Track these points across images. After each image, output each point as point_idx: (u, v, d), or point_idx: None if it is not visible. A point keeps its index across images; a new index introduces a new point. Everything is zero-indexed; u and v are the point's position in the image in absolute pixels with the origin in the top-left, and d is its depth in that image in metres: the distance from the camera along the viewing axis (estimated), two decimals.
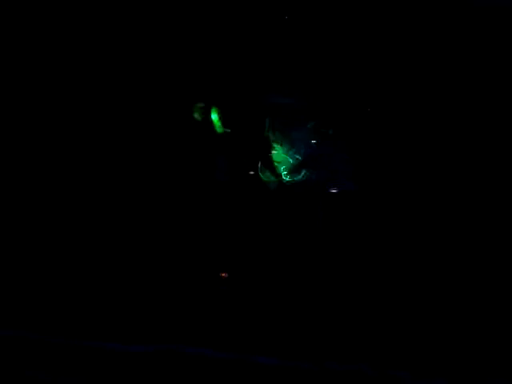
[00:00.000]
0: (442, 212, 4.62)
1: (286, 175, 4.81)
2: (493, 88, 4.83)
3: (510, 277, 4.44)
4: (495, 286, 4.43)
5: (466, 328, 4.32)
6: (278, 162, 4.80)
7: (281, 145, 4.82)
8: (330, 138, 4.83)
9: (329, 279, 4.65)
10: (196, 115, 4.89)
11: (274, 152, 4.86)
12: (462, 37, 4.94)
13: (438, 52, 4.88)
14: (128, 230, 4.98)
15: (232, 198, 4.91)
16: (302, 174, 4.77)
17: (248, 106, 5.00)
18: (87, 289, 4.82)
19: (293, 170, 4.79)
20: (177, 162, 5.06)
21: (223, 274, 4.67)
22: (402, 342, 4.31)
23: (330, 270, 4.66)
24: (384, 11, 5.03)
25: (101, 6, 5.31)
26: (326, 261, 4.68)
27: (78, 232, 5.03)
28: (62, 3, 5.34)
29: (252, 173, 4.85)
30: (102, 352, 4.39)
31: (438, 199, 4.65)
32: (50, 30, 5.35)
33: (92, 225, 5.04)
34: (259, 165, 4.85)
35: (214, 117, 4.87)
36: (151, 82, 5.19)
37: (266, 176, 4.79)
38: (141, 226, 4.98)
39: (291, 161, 4.80)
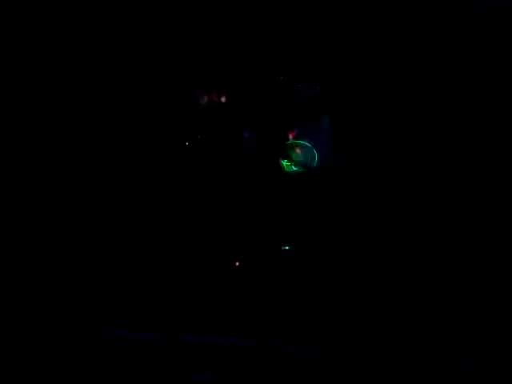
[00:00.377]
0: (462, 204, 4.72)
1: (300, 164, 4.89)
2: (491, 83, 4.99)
3: None
4: None
5: None
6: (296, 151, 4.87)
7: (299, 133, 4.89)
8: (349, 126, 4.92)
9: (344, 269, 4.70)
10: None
11: (292, 141, 4.92)
12: (459, 37, 5.10)
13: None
14: (143, 222, 4.97)
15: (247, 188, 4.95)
16: (315, 161, 4.85)
17: (267, 94, 5.06)
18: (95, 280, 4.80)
19: (308, 158, 4.86)
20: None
21: (236, 263, 4.70)
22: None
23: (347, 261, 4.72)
24: (385, 11, 5.16)
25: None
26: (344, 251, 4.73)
27: (90, 225, 4.99)
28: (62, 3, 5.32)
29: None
30: (109, 339, 4.39)
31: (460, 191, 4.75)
32: (50, 31, 5.32)
33: (105, 217, 5.01)
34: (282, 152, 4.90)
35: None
36: (170, 76, 5.21)
37: (287, 163, 4.85)
38: (157, 217, 4.97)
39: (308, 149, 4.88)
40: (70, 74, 5.28)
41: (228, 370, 4.27)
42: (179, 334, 4.42)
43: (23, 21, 5.28)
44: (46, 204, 5.05)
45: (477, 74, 4.98)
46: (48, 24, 5.28)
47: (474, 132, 4.89)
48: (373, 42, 5.12)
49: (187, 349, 4.36)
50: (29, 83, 5.28)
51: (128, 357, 4.35)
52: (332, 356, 4.29)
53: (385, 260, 4.67)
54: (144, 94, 5.20)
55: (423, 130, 4.91)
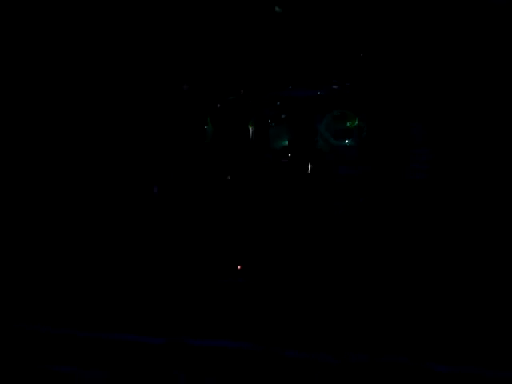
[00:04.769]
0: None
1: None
2: None
3: None
4: None
5: None
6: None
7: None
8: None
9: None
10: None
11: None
12: None
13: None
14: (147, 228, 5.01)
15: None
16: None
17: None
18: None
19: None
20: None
21: (239, 267, 4.73)
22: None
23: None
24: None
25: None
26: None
27: (95, 230, 5.03)
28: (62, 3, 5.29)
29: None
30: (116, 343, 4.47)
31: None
32: (50, 31, 5.30)
33: (107, 223, 5.05)
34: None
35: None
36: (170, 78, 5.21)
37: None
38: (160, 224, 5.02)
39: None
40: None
41: (231, 375, 4.28)
42: (184, 339, 4.49)
43: (23, 21, 5.26)
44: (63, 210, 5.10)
45: None
46: (48, 24, 5.27)
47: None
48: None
49: (192, 353, 4.44)
50: (31, 84, 5.26)
51: (134, 361, 4.44)
52: (338, 360, 4.31)
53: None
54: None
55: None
